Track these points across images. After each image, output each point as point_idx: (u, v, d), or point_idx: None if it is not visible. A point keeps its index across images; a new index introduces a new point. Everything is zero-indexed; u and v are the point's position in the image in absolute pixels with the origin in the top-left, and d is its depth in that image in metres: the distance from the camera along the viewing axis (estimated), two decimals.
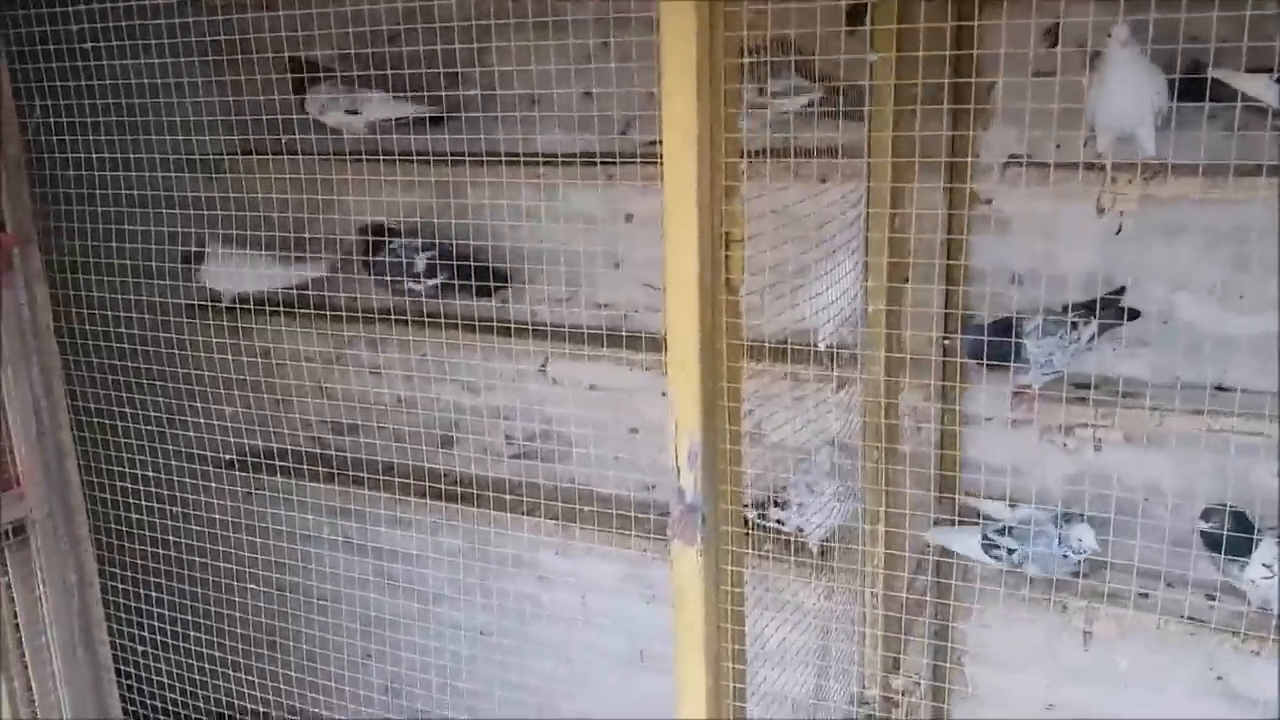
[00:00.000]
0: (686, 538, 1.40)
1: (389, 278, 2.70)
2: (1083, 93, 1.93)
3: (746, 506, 2.00)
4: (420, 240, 2.68)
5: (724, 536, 1.45)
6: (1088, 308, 2.12)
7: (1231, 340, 2.14)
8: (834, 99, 2.17)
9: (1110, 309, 2.13)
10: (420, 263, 2.65)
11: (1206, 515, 2.04)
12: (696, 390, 1.36)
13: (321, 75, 2.69)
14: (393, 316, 2.64)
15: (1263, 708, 2.21)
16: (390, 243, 2.70)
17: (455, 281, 2.60)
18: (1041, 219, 2.23)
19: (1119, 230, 2.19)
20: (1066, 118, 1.95)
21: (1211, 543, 2.02)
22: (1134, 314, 2.14)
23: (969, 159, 2.16)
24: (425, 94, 2.48)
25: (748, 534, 1.73)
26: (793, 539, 2.22)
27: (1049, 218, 2.22)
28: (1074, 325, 2.10)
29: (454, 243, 2.67)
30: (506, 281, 2.68)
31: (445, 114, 2.59)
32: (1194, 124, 1.94)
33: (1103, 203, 2.01)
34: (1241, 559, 2.01)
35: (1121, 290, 2.15)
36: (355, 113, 2.66)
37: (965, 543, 2.21)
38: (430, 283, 2.65)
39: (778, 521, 2.27)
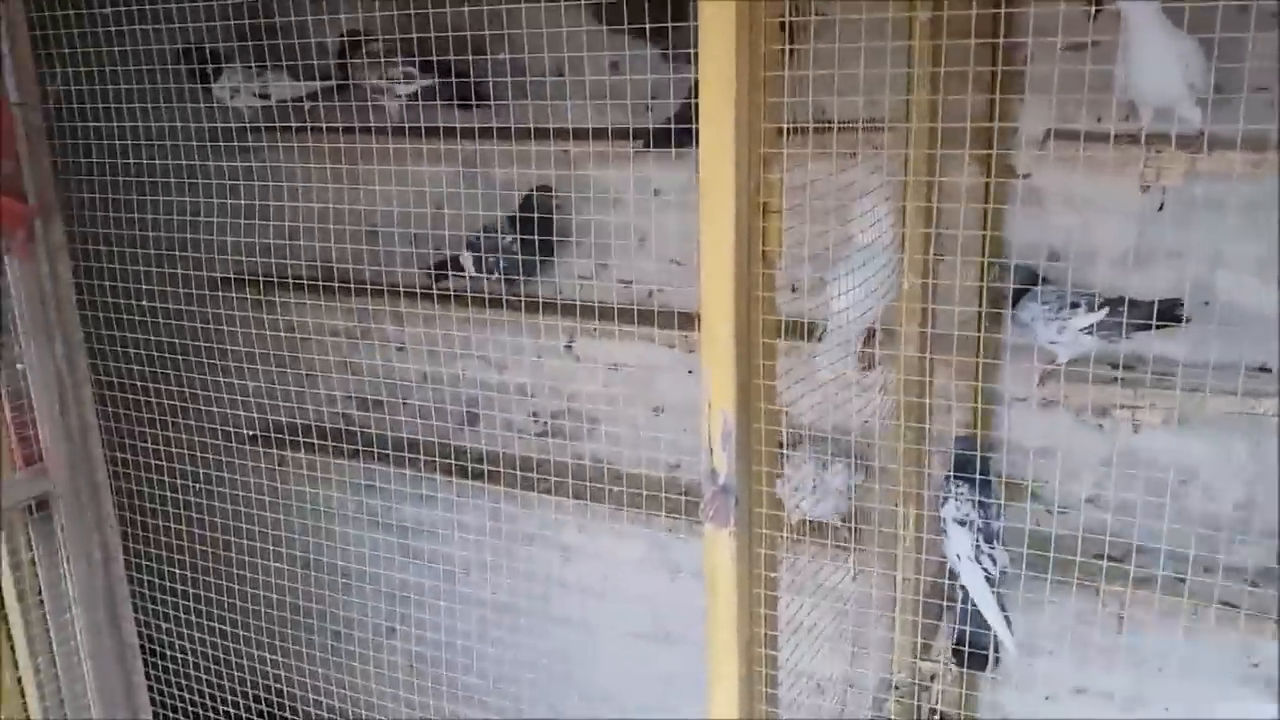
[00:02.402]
0: (719, 520, 1.35)
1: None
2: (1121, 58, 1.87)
3: None
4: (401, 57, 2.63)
5: (757, 519, 1.40)
6: (1142, 309, 2.04)
7: (1272, 319, 2.08)
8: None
9: (1160, 313, 2.02)
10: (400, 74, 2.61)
11: None
12: (731, 367, 1.31)
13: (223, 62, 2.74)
14: (419, 292, 2.63)
15: None
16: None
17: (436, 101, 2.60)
18: (1082, 193, 2.17)
19: (1161, 207, 2.13)
20: (1108, 89, 1.89)
21: None
22: (1174, 319, 2.02)
23: (1014, 124, 2.10)
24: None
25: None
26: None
27: (1089, 193, 2.16)
28: (1074, 305, 2.04)
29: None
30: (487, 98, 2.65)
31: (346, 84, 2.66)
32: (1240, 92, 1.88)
33: (1146, 178, 1.95)
34: None
35: (1178, 302, 2.04)
36: (265, 96, 2.72)
37: (959, 543, 2.12)
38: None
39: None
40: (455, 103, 2.60)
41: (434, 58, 2.47)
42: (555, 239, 2.61)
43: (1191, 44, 1.79)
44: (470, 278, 2.70)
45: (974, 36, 1.60)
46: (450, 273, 2.72)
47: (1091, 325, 2.03)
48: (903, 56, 1.81)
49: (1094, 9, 2.03)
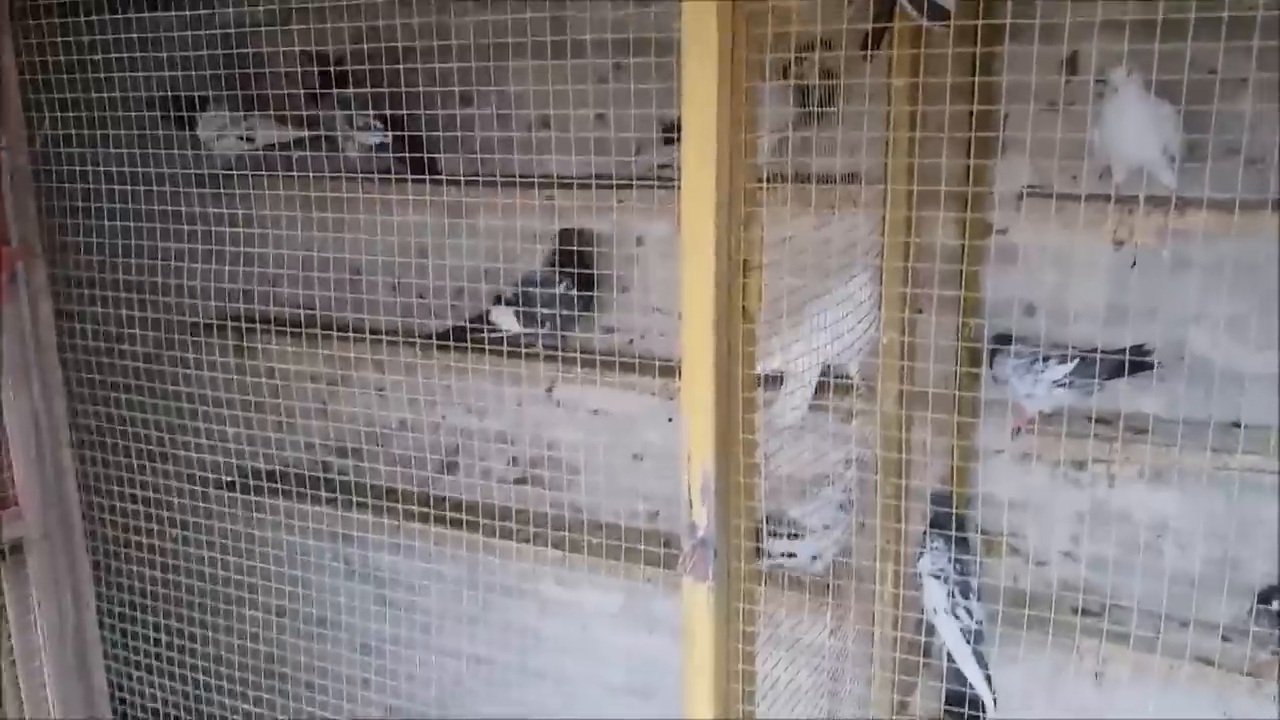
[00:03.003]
0: (698, 574, 1.36)
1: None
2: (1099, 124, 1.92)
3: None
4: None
5: (736, 573, 1.41)
6: (1115, 359, 2.08)
7: (1246, 377, 2.11)
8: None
9: (1130, 361, 2.07)
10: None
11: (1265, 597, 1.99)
12: (711, 420, 1.32)
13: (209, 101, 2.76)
14: (400, 339, 2.63)
15: None
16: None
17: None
18: (1056, 250, 2.21)
19: (1134, 264, 2.17)
20: (1082, 149, 1.94)
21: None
22: (1146, 366, 2.08)
23: (989, 189, 2.14)
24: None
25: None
26: (791, 569, 2.17)
27: (1064, 249, 2.20)
28: (1046, 358, 2.07)
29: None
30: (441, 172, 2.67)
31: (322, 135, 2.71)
32: (1214, 156, 1.92)
33: (1120, 235, 1.99)
34: None
35: (1142, 350, 2.09)
36: (250, 140, 2.74)
37: (934, 596, 2.13)
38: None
39: (786, 555, 2.23)
40: (408, 156, 2.61)
41: (395, 111, 2.50)
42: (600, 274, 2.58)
43: (1167, 110, 1.84)
44: (508, 335, 2.60)
45: (949, 102, 1.63)
46: (487, 331, 2.61)
47: (1065, 377, 2.06)
48: (880, 121, 1.86)
49: (1066, 78, 2.09)
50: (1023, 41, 1.84)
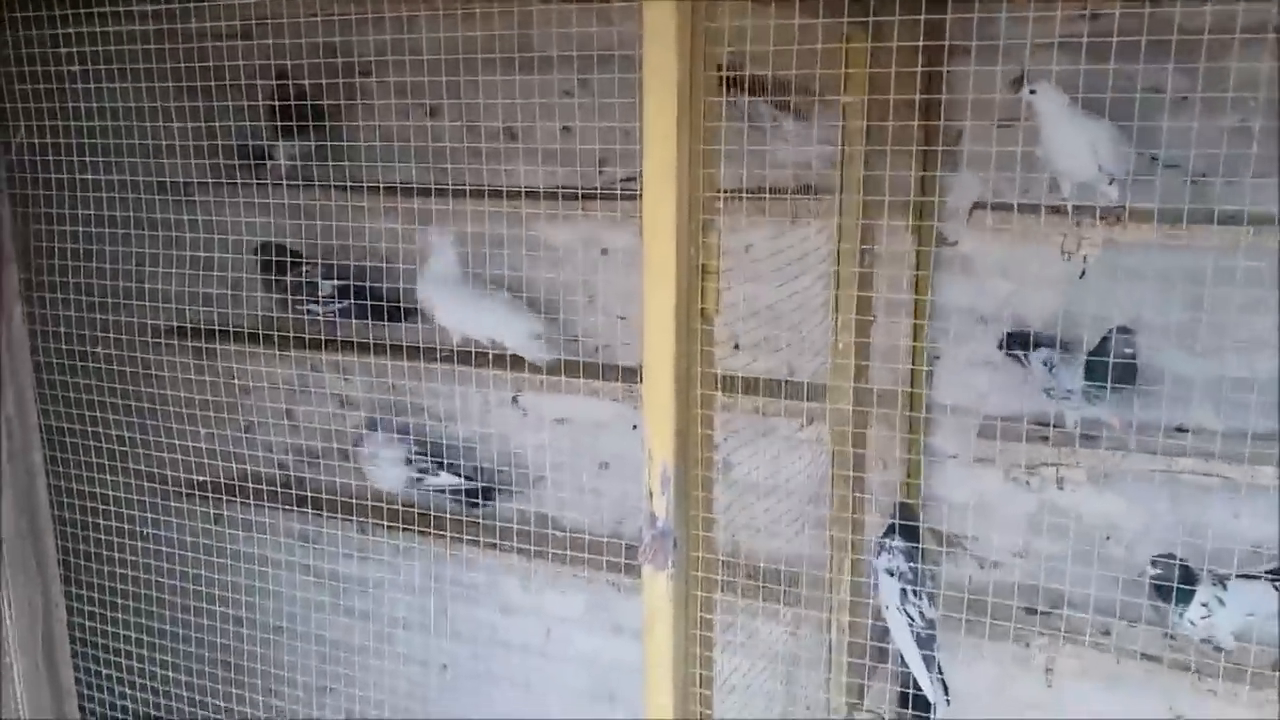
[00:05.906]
0: (658, 562, 1.41)
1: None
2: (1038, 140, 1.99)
3: None
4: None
5: (694, 563, 1.46)
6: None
7: (1188, 382, 2.18)
8: None
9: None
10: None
11: (1154, 564, 2.09)
12: (671, 416, 1.38)
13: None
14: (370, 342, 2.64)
15: None
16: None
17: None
18: (1006, 261, 2.27)
19: (1082, 274, 2.23)
20: (1031, 162, 2.01)
21: (1158, 590, 2.08)
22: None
23: (936, 199, 2.21)
24: None
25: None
26: None
27: (1013, 260, 2.27)
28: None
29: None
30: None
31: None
32: (1154, 170, 2.00)
33: (1067, 246, 2.06)
34: (1182, 605, 2.06)
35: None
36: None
37: (888, 593, 2.16)
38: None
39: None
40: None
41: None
42: None
43: (1102, 129, 1.91)
44: None
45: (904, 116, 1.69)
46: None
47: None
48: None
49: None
50: (973, 60, 1.92)
